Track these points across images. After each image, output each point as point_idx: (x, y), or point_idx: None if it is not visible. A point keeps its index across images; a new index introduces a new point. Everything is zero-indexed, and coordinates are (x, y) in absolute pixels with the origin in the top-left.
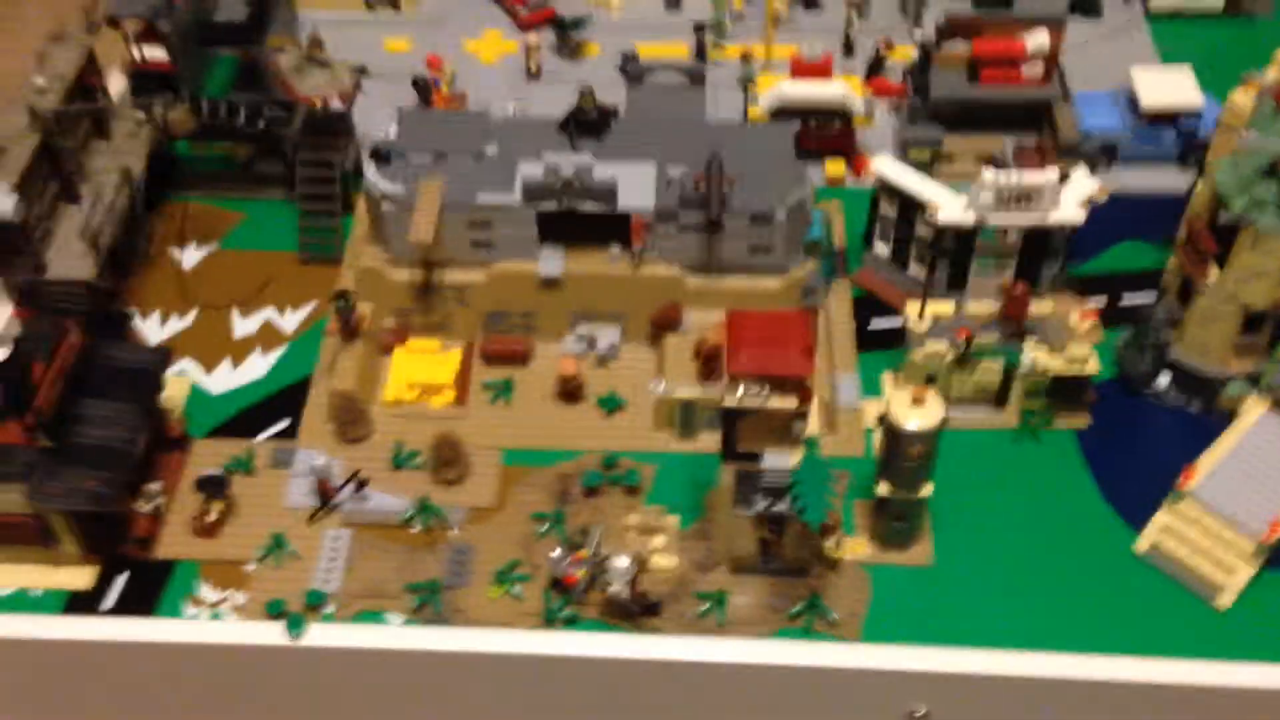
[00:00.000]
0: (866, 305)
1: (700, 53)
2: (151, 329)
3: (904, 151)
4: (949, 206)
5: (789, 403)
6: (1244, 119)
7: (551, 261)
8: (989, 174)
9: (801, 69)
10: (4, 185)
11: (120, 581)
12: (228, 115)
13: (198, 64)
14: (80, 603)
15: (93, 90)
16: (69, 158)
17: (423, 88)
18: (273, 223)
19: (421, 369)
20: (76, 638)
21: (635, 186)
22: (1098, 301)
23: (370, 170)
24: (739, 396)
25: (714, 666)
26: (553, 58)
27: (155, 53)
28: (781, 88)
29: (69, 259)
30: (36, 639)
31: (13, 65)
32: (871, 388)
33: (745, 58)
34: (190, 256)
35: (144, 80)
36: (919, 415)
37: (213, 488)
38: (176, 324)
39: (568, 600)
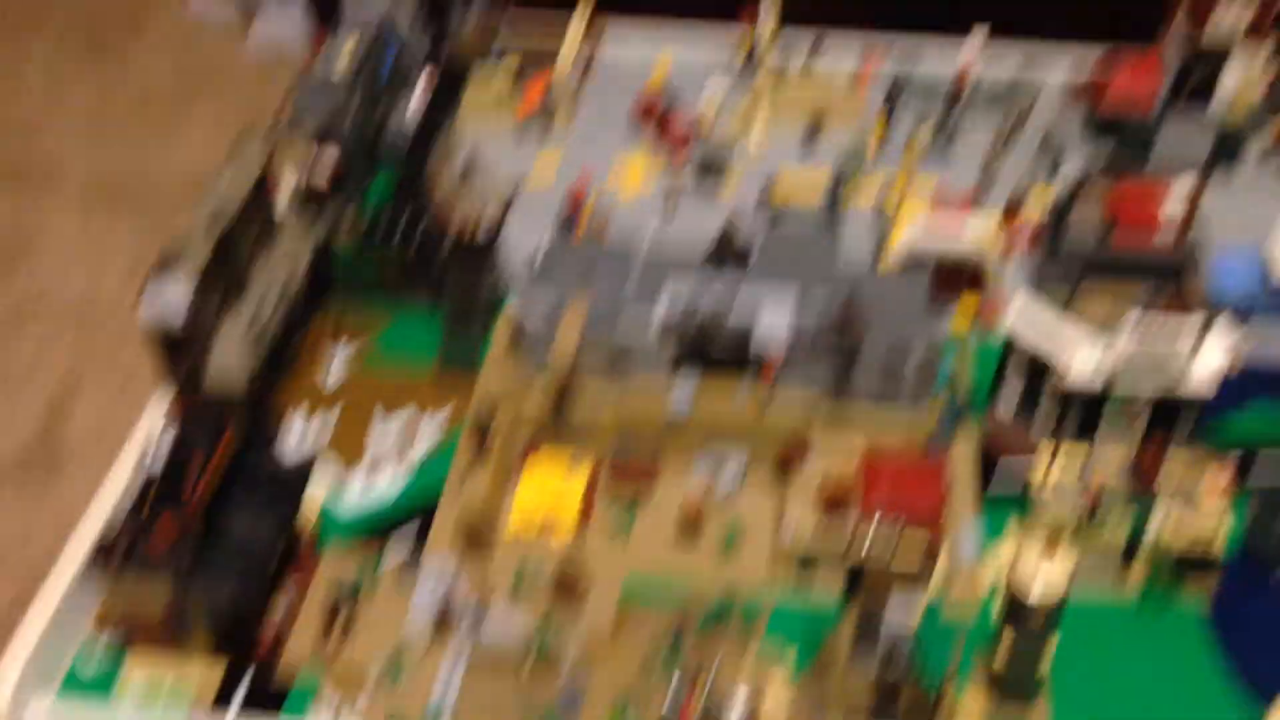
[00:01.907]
0: (991, 454)
1: (836, 190)
2: (294, 428)
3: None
4: (1080, 366)
5: (916, 553)
6: None
7: (683, 392)
8: (1122, 337)
9: (940, 202)
10: (179, 284)
11: (246, 681)
12: (388, 226)
13: (364, 174)
14: (208, 700)
15: (267, 198)
16: (240, 258)
17: (570, 210)
18: (418, 330)
19: (549, 491)
20: None
21: (771, 321)
22: (1228, 467)
23: (518, 291)
24: (866, 544)
25: None
26: (695, 187)
27: (325, 160)
28: (914, 233)
29: (229, 357)
30: None
31: (187, 158)
32: (992, 539)
33: (882, 193)
34: (338, 359)
35: (312, 188)
36: (1045, 579)
37: (339, 598)
38: (318, 425)
39: None
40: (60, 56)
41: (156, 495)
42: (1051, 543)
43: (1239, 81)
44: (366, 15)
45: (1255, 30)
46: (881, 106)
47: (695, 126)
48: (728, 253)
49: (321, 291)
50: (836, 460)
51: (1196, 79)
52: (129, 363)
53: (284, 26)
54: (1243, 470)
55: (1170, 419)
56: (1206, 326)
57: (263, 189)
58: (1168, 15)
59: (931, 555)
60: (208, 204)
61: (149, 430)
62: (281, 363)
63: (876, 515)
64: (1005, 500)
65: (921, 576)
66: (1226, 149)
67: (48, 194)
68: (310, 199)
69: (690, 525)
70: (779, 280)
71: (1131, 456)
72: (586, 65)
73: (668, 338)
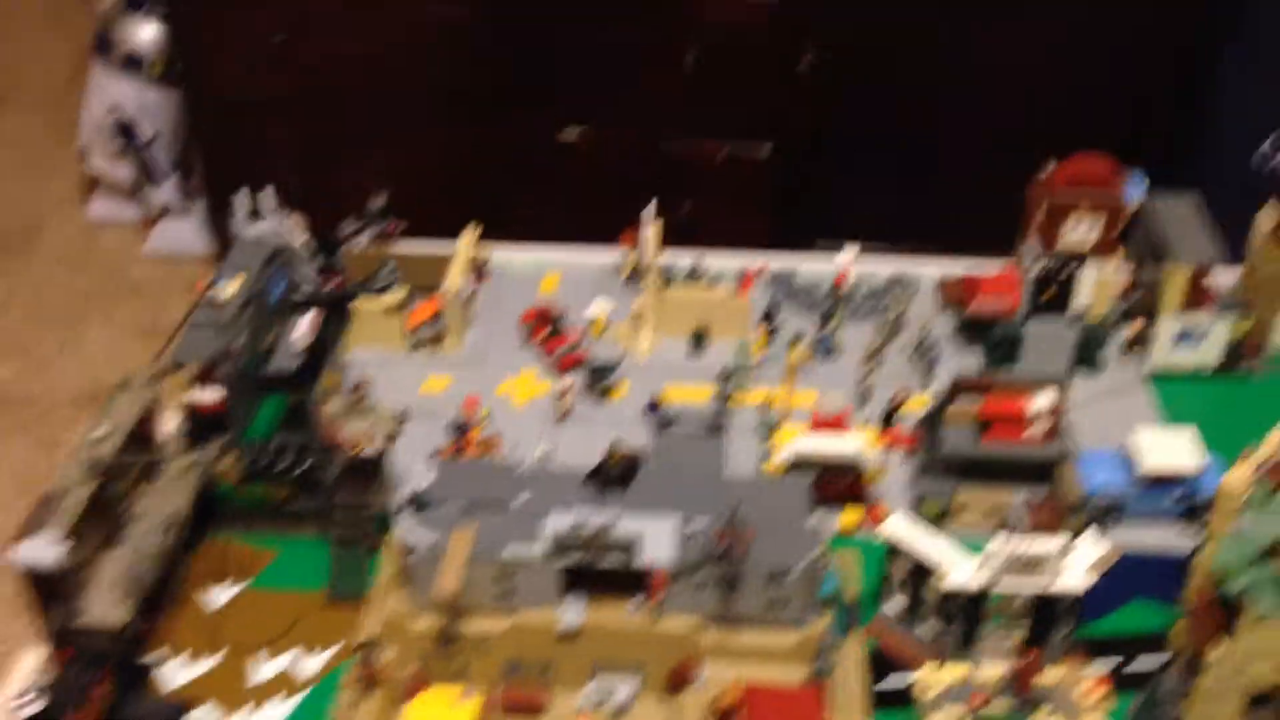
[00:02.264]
0: (879, 661)
1: (723, 400)
2: (173, 672)
3: (917, 504)
4: (957, 570)
5: None
6: (1241, 496)
7: (572, 612)
8: (996, 542)
9: (819, 422)
10: (53, 534)
11: None
12: (273, 459)
13: (249, 406)
14: None
15: (148, 436)
16: (119, 505)
17: (458, 430)
18: (304, 561)
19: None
20: None
21: (657, 540)
22: (1108, 664)
23: (404, 520)
24: None
25: None
26: (583, 399)
27: (208, 396)
28: (798, 442)
29: (106, 605)
30: None
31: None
32: None
33: (764, 406)
34: (221, 595)
35: (197, 422)
36: None
37: None
38: (201, 665)
39: None
40: None
41: None
42: None
43: (1093, 290)
44: (256, 245)
45: (1101, 247)
46: (761, 319)
47: (583, 339)
48: (614, 468)
49: (204, 525)
50: (724, 680)
51: (1053, 288)
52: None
53: (182, 236)
54: (1120, 670)
55: (1048, 620)
56: (1080, 525)
57: (144, 431)
58: (1022, 230)
59: None
60: (87, 451)
61: (17, 687)
62: (161, 603)
63: None
64: (895, 712)
65: None
66: (1086, 353)
67: None
68: (193, 435)
69: None
70: (666, 493)
71: (1012, 662)
72: (473, 288)
73: (556, 556)
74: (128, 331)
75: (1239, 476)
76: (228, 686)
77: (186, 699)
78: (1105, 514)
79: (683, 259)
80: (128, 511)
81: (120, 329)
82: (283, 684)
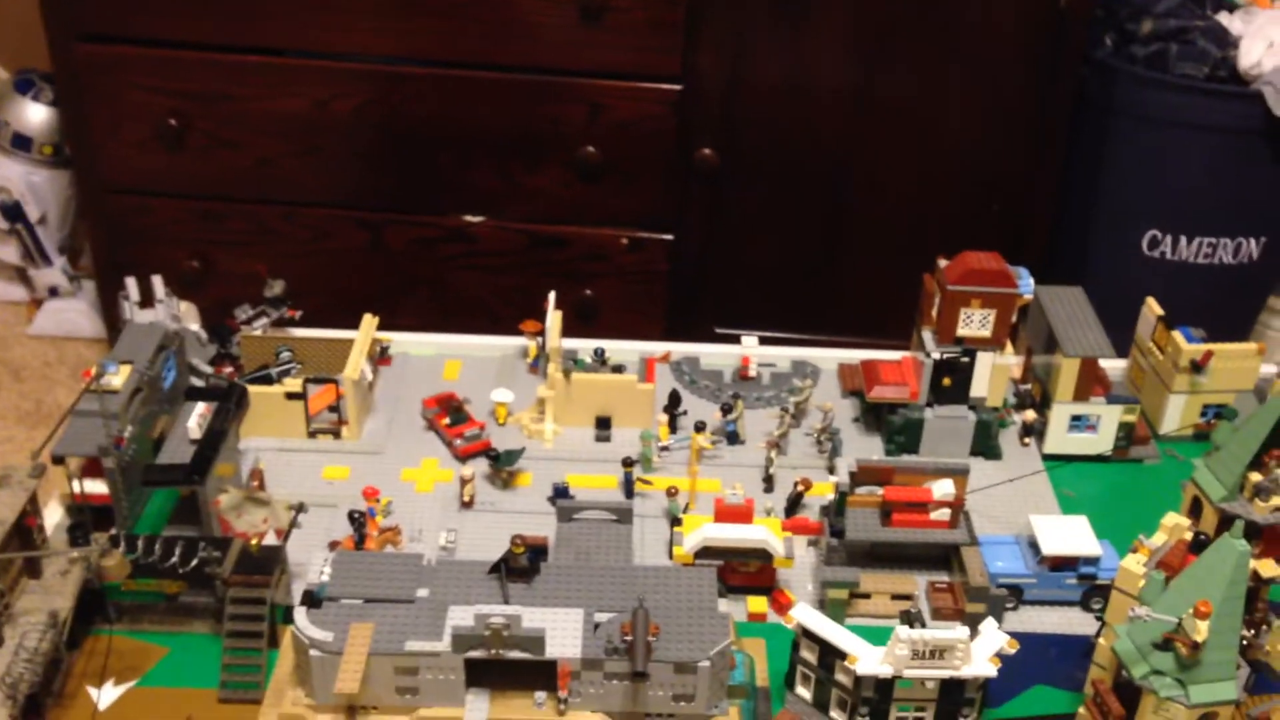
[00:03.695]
0: None
1: (628, 488)
2: None
3: (823, 591)
4: (866, 658)
5: None
6: (1138, 585)
7: (476, 708)
8: (904, 630)
9: (725, 513)
10: None
11: None
12: (162, 553)
13: (138, 498)
14: None
15: (29, 530)
16: None
17: (358, 521)
18: (196, 657)
19: None
20: None
21: (563, 633)
22: None
23: (300, 616)
24: None
25: None
26: (486, 487)
27: (95, 487)
28: (705, 531)
29: None
30: None
31: None
32: None
33: (671, 493)
34: (107, 695)
35: (82, 514)
36: None
37: None
38: None
39: None
40: None
41: None
42: None
43: (988, 379)
44: (147, 332)
45: (995, 338)
46: (664, 407)
47: (486, 428)
48: (519, 559)
49: (89, 621)
50: None
51: (951, 377)
52: None
53: (70, 317)
54: None
55: (956, 706)
56: (983, 611)
57: (25, 525)
58: (918, 320)
59: None
60: None
61: None
62: (43, 708)
63: None
64: None
65: None
66: (985, 439)
67: None
68: (78, 528)
69: None
70: (572, 583)
71: None
72: (373, 376)
73: (461, 650)
74: (9, 416)
75: (1133, 565)
76: None
77: None
78: (1008, 598)
79: (584, 346)
80: (7, 610)
81: (2, 413)
82: None
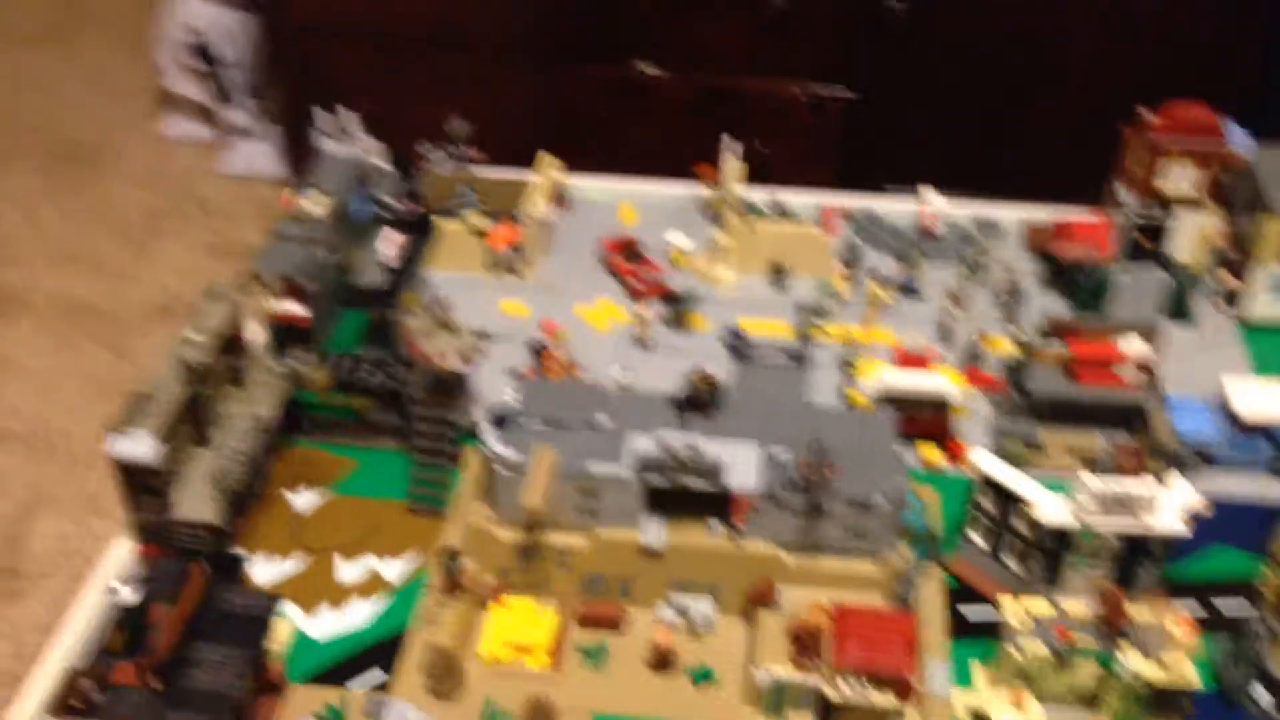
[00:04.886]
0: (960, 593)
1: (804, 334)
2: (259, 570)
3: (999, 441)
4: (1049, 506)
5: (889, 699)
6: None
7: (653, 532)
8: (1090, 479)
9: (904, 359)
10: (149, 432)
11: None
12: (359, 371)
13: (332, 319)
14: None
15: (237, 342)
16: (208, 407)
17: (538, 352)
18: (385, 472)
19: (518, 627)
20: None
21: (740, 466)
22: (1191, 607)
23: (489, 435)
24: (841, 689)
25: None
26: (662, 328)
27: (294, 308)
28: (886, 376)
29: (196, 501)
30: None
31: (154, 285)
32: (962, 675)
33: (847, 342)
34: (303, 500)
35: (281, 332)
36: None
37: None
38: (283, 566)
39: None
40: (33, 182)
41: (117, 649)
42: (1017, 694)
43: (1189, 239)
44: (341, 164)
45: (1200, 196)
46: (843, 256)
47: (663, 271)
48: (702, 392)
49: (288, 432)
50: (806, 603)
51: (1149, 236)
52: (92, 489)
53: (256, 158)
54: (1205, 611)
55: (1136, 561)
56: (1171, 470)
57: (232, 338)
58: (1110, 178)
59: (905, 698)
60: (179, 354)
61: (110, 576)
62: (247, 506)
63: (848, 665)
64: (975, 642)
65: (896, 715)
66: (1179, 302)
67: (16, 319)
68: (279, 345)
69: (661, 663)
70: (749, 421)
71: (1098, 599)
72: (553, 216)
73: (643, 475)
74: (198, 248)
75: None
76: (314, 585)
77: (277, 594)
78: (1196, 460)
79: (758, 194)
80: (216, 414)
81: (191, 245)
82: (367, 586)
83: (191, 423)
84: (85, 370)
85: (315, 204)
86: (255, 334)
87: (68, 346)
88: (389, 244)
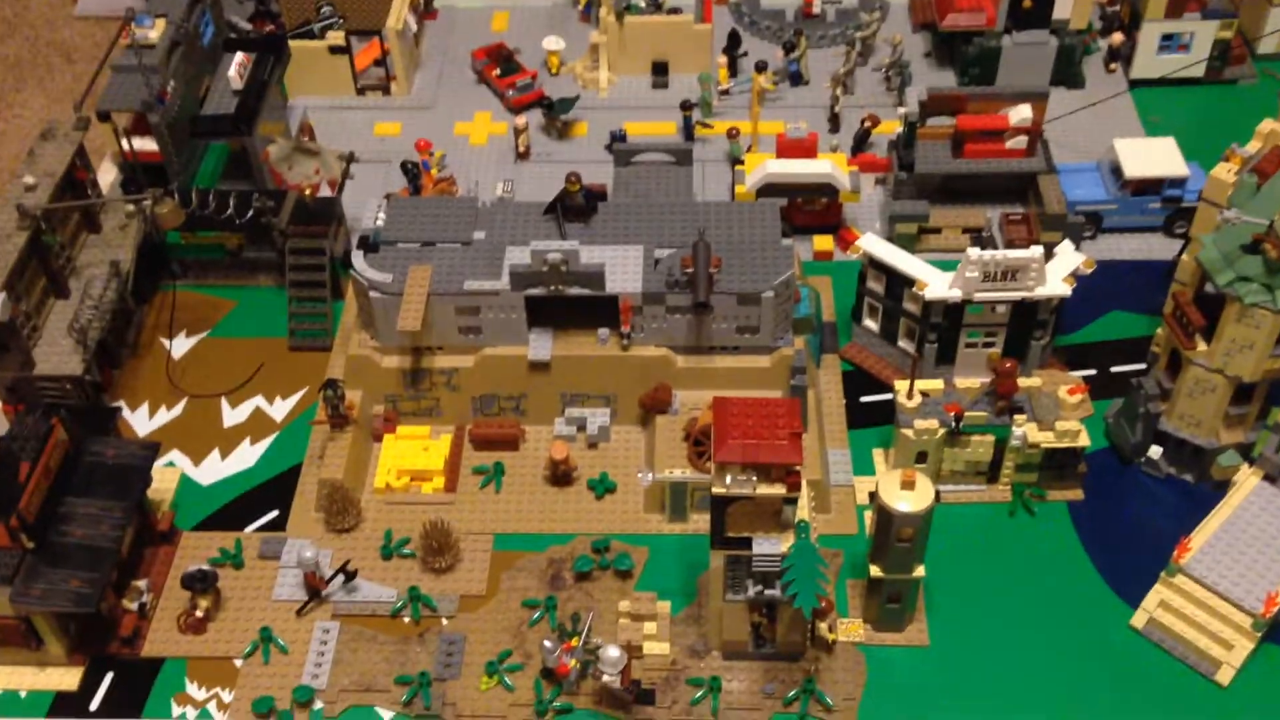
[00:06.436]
0: (856, 380)
1: (688, 131)
2: (140, 421)
3: (891, 226)
4: (936, 283)
5: (778, 490)
6: (1226, 193)
7: (540, 345)
8: (974, 251)
9: (788, 148)
10: None
11: (107, 681)
12: (217, 206)
13: (188, 154)
14: (67, 703)
15: (82, 185)
16: (57, 254)
17: (412, 172)
18: (263, 310)
19: (411, 456)
20: None
21: (623, 269)
22: (1086, 372)
23: (358, 259)
24: (727, 484)
25: None
26: (541, 138)
27: (146, 145)
28: (768, 166)
29: (57, 354)
30: None
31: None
32: (863, 464)
33: (732, 134)
34: (180, 346)
35: (135, 172)
36: (909, 498)
37: (199, 583)
38: (166, 415)
39: (560, 690)
40: None
41: None
42: (908, 475)
43: (1072, 5)
44: None
45: None
46: (723, 51)
47: (538, 78)
48: (574, 196)
49: (155, 279)
50: (702, 404)
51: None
52: None
53: None
54: (1100, 373)
55: (1027, 330)
56: (1062, 235)
57: (75, 180)
58: None
59: (793, 487)
60: (16, 200)
61: None
62: (119, 357)
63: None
64: (876, 430)
65: (784, 509)
66: (1067, 66)
67: None
68: (133, 186)
69: (560, 478)
70: (631, 223)
71: (991, 370)
72: (418, 27)
73: (518, 286)
74: (65, 98)
75: (1223, 174)
76: (200, 432)
77: (153, 447)
78: (1087, 224)
79: None
80: (70, 262)
81: (55, 95)
82: (254, 427)
83: (45, 274)
84: None
85: (153, 30)
86: (107, 178)
87: None
88: (237, 66)
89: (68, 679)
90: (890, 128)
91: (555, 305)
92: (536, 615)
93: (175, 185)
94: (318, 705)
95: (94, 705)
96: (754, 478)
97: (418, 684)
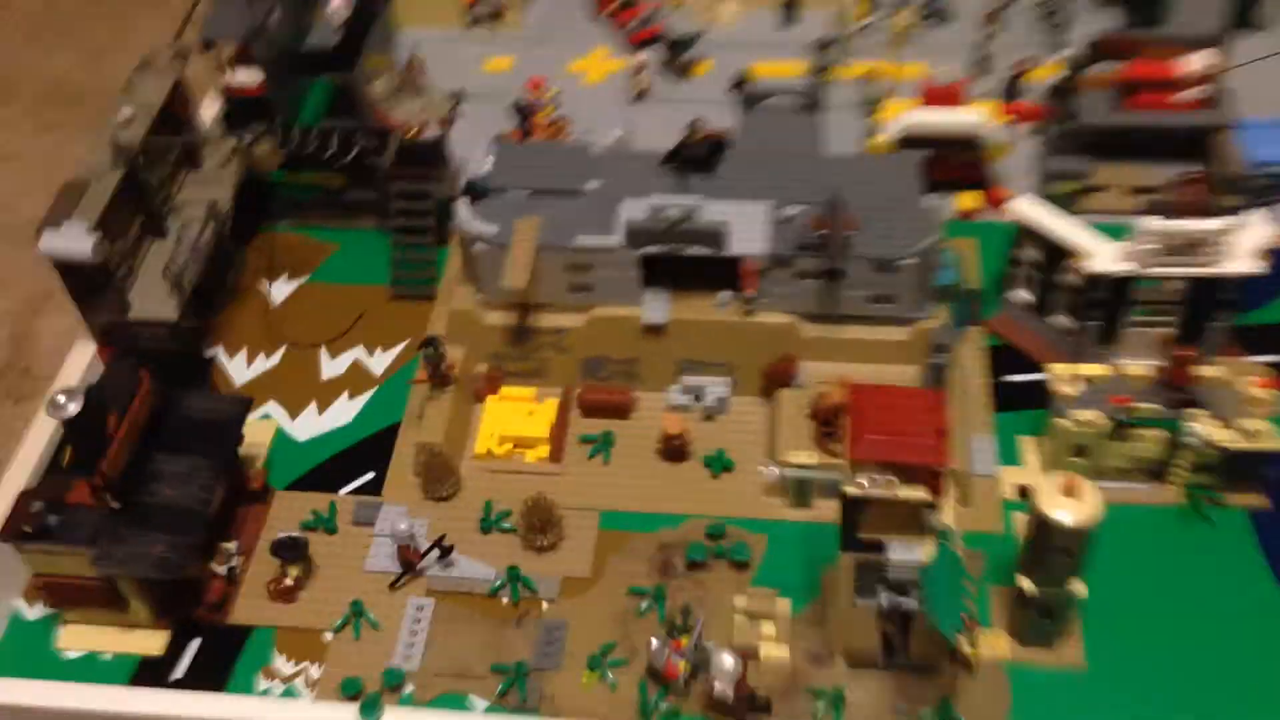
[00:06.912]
0: (1003, 356)
1: (820, 73)
2: (238, 368)
3: (1047, 183)
4: (1100, 254)
5: (919, 493)
6: None
7: (655, 307)
8: (1148, 220)
9: (933, 95)
10: (83, 224)
11: (192, 648)
12: (318, 144)
13: (292, 88)
14: (151, 669)
15: (180, 119)
16: (154, 192)
17: (524, 112)
18: (366, 254)
19: (515, 420)
20: (142, 713)
21: (747, 228)
22: (1270, 358)
23: (463, 208)
24: (862, 485)
25: None
26: (661, 77)
27: (249, 78)
28: (909, 116)
29: (153, 298)
30: (102, 713)
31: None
32: (1009, 451)
33: (866, 79)
34: (280, 290)
35: (237, 106)
36: (1073, 508)
37: (290, 551)
38: (263, 363)
39: (667, 692)
40: None
41: (71, 460)
42: (1070, 481)
43: None
44: None
45: None
46: None
47: (658, 11)
48: (697, 148)
49: (256, 220)
50: (831, 377)
51: None
52: None
53: None
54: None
55: (1204, 311)
56: (1241, 204)
57: (176, 114)
58: None
59: (936, 490)
60: (111, 135)
61: (62, 383)
62: (215, 301)
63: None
64: (1022, 414)
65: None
66: (1246, 9)
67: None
68: (234, 121)
69: (673, 453)
70: (756, 176)
71: (1159, 359)
72: None
73: (633, 243)
74: (179, 20)
75: None
76: (297, 383)
77: (252, 395)
78: (1271, 190)
79: None
80: (169, 201)
81: (172, 18)
82: (352, 381)
83: (140, 212)
84: (71, 157)
85: None
86: (209, 111)
87: (54, 133)
88: (344, 2)
89: (153, 642)
90: (1047, 72)
91: (672, 265)
92: (645, 605)
93: (278, 122)
94: (408, 689)
95: (178, 673)
96: (893, 479)
97: (514, 674)
